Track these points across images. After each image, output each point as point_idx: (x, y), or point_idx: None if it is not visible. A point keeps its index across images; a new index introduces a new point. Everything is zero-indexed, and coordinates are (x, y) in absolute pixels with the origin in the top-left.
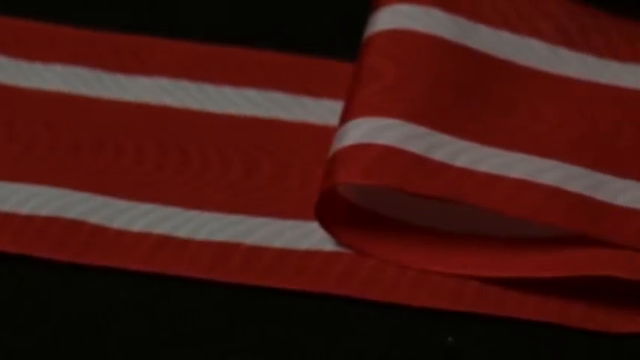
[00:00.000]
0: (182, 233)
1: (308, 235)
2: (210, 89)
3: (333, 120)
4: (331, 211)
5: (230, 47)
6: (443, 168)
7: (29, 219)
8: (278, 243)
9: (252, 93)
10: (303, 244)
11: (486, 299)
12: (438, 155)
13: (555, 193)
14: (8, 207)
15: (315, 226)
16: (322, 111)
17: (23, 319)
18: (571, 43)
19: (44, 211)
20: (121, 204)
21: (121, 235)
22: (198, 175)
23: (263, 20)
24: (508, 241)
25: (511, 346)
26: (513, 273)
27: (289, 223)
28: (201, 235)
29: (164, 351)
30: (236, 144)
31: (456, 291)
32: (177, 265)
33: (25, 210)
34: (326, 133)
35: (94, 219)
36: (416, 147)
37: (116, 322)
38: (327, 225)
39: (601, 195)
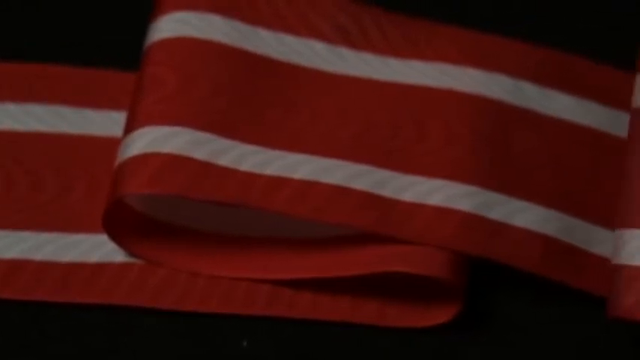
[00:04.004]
0: None
1: (98, 248)
2: None
3: (118, 131)
4: (120, 223)
5: (10, 62)
6: (228, 173)
7: None
8: (68, 257)
9: (34, 107)
10: (94, 257)
11: (279, 302)
12: (223, 161)
13: (340, 192)
14: None
15: (104, 238)
16: (107, 122)
17: None
18: (351, 43)
19: None
20: None
21: None
22: None
23: (44, 34)
24: (299, 242)
25: (303, 346)
26: (305, 274)
27: (78, 237)
28: None
29: None
30: (20, 160)
31: (248, 295)
32: None
33: None
34: (111, 145)
35: None
36: (200, 154)
37: None
38: (116, 236)
39: (387, 192)
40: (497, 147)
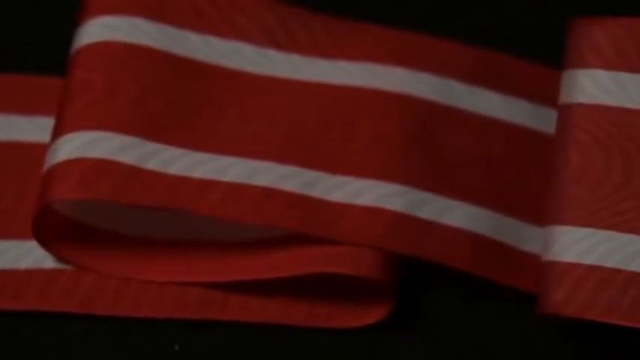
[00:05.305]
0: None
1: (27, 254)
2: None
3: (45, 137)
4: (49, 228)
5: None
6: (156, 177)
7: None
8: None
9: None
10: (23, 264)
11: (210, 305)
12: (151, 165)
13: (269, 194)
14: None
15: (34, 244)
16: (34, 128)
17: None
18: (278, 44)
19: None
20: None
21: None
22: None
23: None
24: (229, 245)
25: (235, 349)
26: (235, 276)
27: (7, 244)
28: None
29: None
30: None
31: (179, 299)
32: None
33: None
34: (39, 151)
35: None
36: (128, 158)
37: None
38: (45, 242)
39: (316, 192)
40: (426, 146)
